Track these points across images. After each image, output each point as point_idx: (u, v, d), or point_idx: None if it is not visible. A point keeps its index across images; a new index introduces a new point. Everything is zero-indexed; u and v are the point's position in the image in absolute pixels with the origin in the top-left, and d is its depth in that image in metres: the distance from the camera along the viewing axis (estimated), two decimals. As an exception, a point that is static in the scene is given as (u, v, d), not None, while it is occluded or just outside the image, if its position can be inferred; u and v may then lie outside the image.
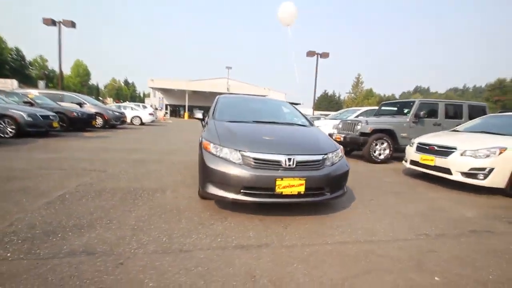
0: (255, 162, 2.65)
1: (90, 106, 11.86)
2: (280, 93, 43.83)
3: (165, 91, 40.90)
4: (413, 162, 5.26)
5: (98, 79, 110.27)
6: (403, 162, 5.65)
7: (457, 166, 4.35)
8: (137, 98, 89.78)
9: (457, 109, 7.61)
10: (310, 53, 20.57)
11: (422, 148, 5.09)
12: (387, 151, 7.06)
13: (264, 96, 38.49)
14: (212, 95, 40.86)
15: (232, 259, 1.98)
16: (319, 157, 2.83)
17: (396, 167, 6.51)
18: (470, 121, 6.01)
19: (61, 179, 3.76)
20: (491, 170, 4.06)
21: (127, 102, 34.44)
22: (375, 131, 6.96)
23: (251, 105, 4.55)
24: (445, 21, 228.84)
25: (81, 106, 11.48)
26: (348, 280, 1.81)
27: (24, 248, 1.95)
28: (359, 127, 7.14)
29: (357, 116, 9.85)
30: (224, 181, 2.65)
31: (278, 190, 2.59)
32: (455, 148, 4.47)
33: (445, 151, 4.60)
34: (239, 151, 2.71)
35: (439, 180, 4.91)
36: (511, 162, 4.04)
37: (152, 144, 8.40)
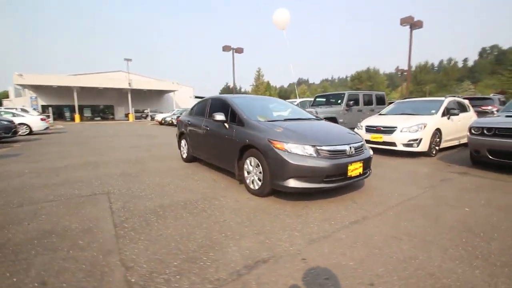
0: (329, 154, 3.12)
1: (-40, 115, 8.40)
2: (188, 87, 42.34)
3: (40, 89, 32.09)
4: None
5: None
6: (354, 141, 7.20)
7: (400, 139, 6.08)
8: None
9: (369, 97, 10.06)
10: (226, 48, 21.04)
11: (371, 129, 6.70)
12: (332, 135, 8.68)
13: (174, 90, 36.39)
14: (108, 91, 35.19)
15: (366, 231, 2.46)
16: (362, 143, 3.58)
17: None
18: (388, 106, 8.20)
19: (79, 210, 3.02)
20: (421, 140, 5.95)
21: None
22: (325, 119, 8.37)
23: (265, 104, 4.77)
24: (316, 23, 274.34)
25: None
26: (437, 222, 2.64)
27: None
28: (310, 117, 8.37)
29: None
30: (309, 174, 3.00)
31: (349, 173, 3.18)
32: (396, 127, 6.20)
33: (389, 130, 6.29)
34: (313, 146, 3.10)
35: (382, 151, 6.65)
36: (430, 133, 6.05)
37: (99, 156, 7.02)
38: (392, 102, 8.91)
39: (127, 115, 35.46)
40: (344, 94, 9.31)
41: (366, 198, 3.41)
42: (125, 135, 13.65)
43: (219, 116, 4.09)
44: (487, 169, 4.85)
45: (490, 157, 4.57)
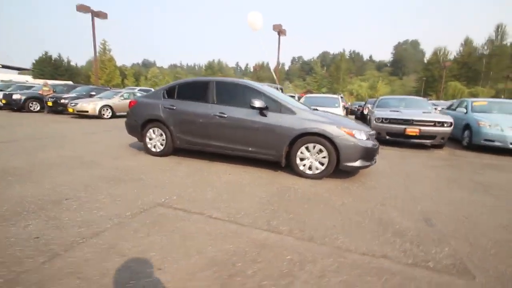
0: (370, 136, 3.97)
1: None
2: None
3: None
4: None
5: None
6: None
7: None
8: None
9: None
10: (83, 8, 15.96)
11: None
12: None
13: None
14: None
15: (425, 184, 3.59)
16: (368, 130, 4.70)
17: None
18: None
19: (193, 238, 2.13)
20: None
21: None
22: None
23: (282, 94, 4.73)
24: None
25: None
26: (438, 175, 4.22)
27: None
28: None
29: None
30: (370, 154, 3.74)
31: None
32: (324, 116, 8.00)
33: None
34: (366, 131, 3.84)
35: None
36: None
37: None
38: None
39: None
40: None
41: (379, 168, 4.61)
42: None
43: (259, 103, 3.86)
44: (385, 145, 7.50)
45: (388, 137, 7.18)
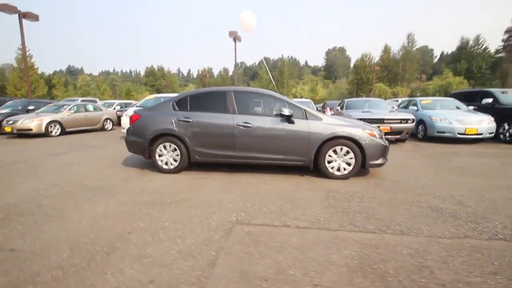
0: (381, 136, 4.45)
1: None
2: None
3: None
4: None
5: None
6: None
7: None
8: None
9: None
10: (7, 8, 13.34)
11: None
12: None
13: None
14: None
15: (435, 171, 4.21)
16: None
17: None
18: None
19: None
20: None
21: None
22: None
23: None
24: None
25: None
26: (422, 165, 4.95)
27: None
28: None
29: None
30: (387, 152, 4.20)
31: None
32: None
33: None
34: (378, 132, 4.30)
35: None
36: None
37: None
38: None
39: None
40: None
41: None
42: None
43: (288, 111, 3.98)
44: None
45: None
